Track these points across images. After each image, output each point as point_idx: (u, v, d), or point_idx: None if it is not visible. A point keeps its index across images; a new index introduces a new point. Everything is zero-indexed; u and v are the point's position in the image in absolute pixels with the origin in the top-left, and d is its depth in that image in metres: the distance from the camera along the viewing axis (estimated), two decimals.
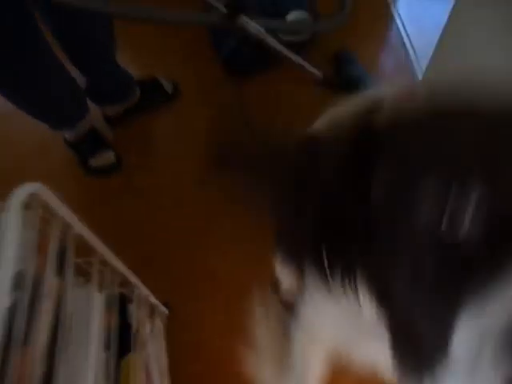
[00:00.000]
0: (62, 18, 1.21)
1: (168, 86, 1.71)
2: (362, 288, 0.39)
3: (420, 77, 1.71)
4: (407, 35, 1.87)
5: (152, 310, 1.17)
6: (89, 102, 1.50)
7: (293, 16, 1.69)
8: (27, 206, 0.58)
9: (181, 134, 1.70)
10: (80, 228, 0.71)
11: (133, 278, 0.98)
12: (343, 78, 1.76)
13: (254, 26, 1.41)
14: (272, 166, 0.67)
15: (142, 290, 1.04)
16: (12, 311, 0.54)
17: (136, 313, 1.00)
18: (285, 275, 0.67)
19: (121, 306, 0.98)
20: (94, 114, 1.57)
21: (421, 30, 1.82)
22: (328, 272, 0.43)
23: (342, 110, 0.44)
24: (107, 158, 1.54)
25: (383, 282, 0.36)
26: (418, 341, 0.33)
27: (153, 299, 1.13)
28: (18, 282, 0.56)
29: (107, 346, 0.81)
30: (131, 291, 1.01)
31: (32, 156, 1.60)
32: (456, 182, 0.29)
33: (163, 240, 1.46)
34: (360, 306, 0.42)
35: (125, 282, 0.97)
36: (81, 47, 1.33)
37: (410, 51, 1.83)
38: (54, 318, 0.65)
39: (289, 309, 0.69)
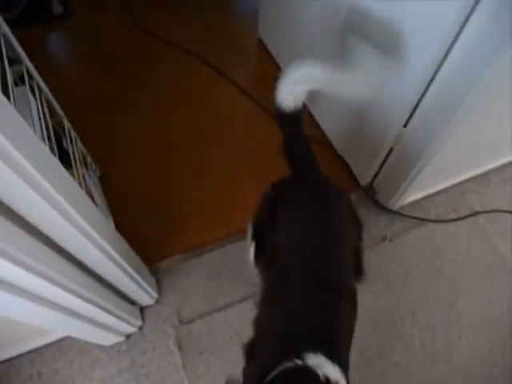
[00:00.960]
0: None
1: (59, 8, 1.92)
2: None
3: None
4: None
5: (85, 160, 1.41)
6: None
7: None
8: None
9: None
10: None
11: (60, 111, 1.22)
12: None
13: None
14: None
15: (71, 131, 1.29)
16: None
17: (69, 146, 1.24)
18: None
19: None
20: None
21: None
22: None
23: None
24: None
25: None
26: None
27: (81, 144, 1.37)
28: None
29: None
30: (61, 125, 1.24)
31: None
32: None
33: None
34: None
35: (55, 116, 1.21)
36: None
37: None
38: None
39: None
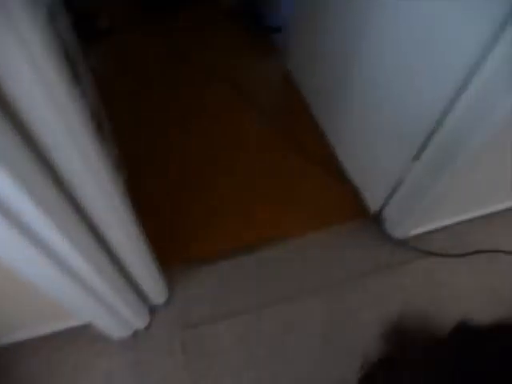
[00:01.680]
0: None
1: (103, 22, 2.09)
2: None
3: None
4: None
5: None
6: None
7: None
8: None
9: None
10: None
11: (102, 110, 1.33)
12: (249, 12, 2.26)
13: None
14: None
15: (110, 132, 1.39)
16: None
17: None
18: None
19: None
20: None
21: None
22: None
23: None
24: None
25: None
26: None
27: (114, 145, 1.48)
28: None
29: None
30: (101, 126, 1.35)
31: None
32: None
33: None
34: None
35: None
36: None
37: None
38: None
39: None
